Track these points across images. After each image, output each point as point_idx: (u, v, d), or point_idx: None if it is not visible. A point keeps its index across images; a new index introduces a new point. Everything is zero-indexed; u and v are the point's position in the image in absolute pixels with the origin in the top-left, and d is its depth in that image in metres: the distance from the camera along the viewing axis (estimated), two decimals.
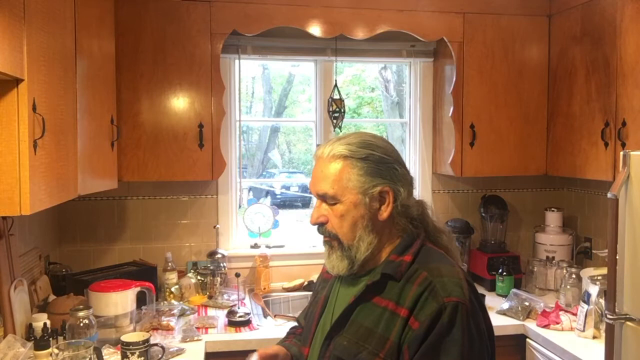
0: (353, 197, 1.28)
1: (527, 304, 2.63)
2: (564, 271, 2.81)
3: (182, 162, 2.69)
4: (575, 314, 2.45)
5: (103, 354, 1.94)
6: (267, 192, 4.58)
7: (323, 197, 1.32)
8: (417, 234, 1.34)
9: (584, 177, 2.72)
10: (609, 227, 1.89)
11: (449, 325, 1.16)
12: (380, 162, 1.30)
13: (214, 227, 3.06)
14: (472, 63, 2.91)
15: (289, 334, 1.67)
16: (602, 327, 2.17)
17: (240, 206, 3.18)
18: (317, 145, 1.39)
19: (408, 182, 1.34)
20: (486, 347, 1.23)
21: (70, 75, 1.94)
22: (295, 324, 1.72)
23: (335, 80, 3.08)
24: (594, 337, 2.33)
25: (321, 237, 1.37)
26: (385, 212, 1.30)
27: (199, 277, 2.89)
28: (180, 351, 2.17)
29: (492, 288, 2.98)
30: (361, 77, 4.39)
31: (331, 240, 1.33)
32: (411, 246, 1.31)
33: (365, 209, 1.29)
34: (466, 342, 1.16)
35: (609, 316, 1.88)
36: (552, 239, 3.07)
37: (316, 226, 1.36)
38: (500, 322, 2.53)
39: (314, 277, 3.05)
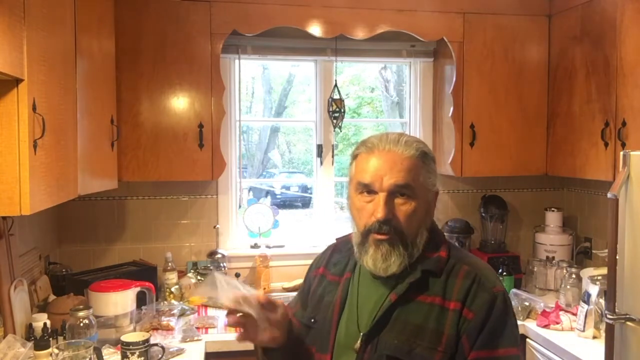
0: (425, 194, 1.31)
1: (527, 304, 2.63)
2: (564, 271, 2.81)
3: (182, 162, 2.69)
4: (575, 314, 2.45)
5: (103, 354, 1.94)
6: (267, 192, 4.57)
7: (399, 190, 1.26)
8: (441, 232, 1.39)
9: (584, 177, 2.72)
10: (609, 227, 1.89)
11: (504, 312, 1.24)
12: (434, 165, 1.35)
13: (214, 227, 3.06)
14: (472, 63, 2.91)
15: None
16: (602, 327, 2.17)
17: (240, 206, 3.18)
18: (372, 137, 1.33)
19: None
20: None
21: (70, 75, 1.94)
22: None
23: (335, 80, 3.08)
24: (594, 337, 2.33)
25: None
26: (434, 212, 1.36)
27: (199, 277, 2.89)
28: (180, 351, 2.17)
29: None
30: (361, 77, 4.39)
31: (393, 237, 1.27)
32: (440, 243, 1.34)
33: (429, 207, 1.33)
34: (515, 326, 1.27)
35: (609, 316, 1.88)
36: (552, 239, 3.07)
37: (376, 224, 1.26)
38: None
39: None
